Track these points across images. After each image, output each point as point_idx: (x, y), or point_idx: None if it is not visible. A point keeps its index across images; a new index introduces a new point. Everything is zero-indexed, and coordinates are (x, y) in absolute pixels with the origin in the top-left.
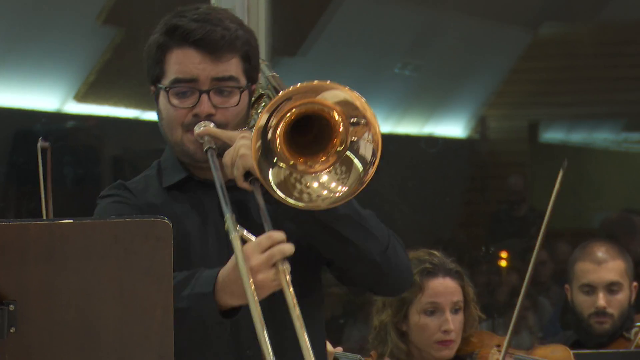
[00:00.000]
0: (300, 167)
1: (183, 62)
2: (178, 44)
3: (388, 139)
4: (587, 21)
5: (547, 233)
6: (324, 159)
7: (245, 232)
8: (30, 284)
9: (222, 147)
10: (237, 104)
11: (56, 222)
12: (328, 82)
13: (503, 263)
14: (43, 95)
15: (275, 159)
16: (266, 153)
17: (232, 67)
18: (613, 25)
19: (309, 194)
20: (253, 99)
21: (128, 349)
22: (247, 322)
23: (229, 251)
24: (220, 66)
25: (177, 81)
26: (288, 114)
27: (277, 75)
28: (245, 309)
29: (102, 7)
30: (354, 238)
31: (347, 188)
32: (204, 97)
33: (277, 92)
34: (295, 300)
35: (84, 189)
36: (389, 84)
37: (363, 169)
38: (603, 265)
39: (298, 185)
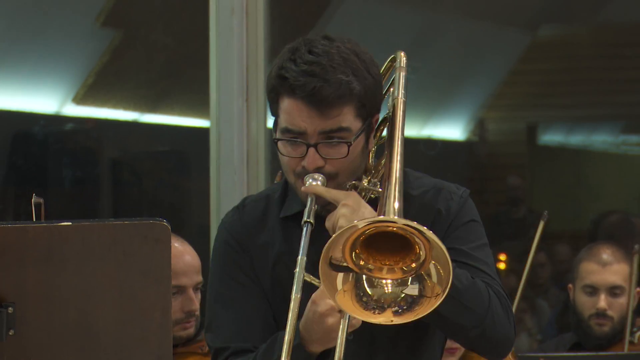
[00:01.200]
0: (370, 267)
1: (291, 113)
2: (287, 94)
3: None
4: (585, 23)
5: (545, 235)
6: (388, 264)
7: (311, 277)
8: (29, 286)
9: (328, 208)
10: (346, 155)
11: (55, 224)
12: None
13: (501, 265)
14: (41, 98)
15: (359, 272)
16: (352, 278)
17: (343, 118)
18: (612, 27)
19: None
20: (378, 122)
21: (127, 350)
22: None
23: None
24: (329, 121)
25: (286, 130)
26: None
27: (403, 101)
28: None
29: (100, 9)
30: (447, 314)
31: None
32: (312, 150)
33: (393, 120)
34: (343, 347)
35: (83, 191)
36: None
37: (419, 305)
38: (607, 267)
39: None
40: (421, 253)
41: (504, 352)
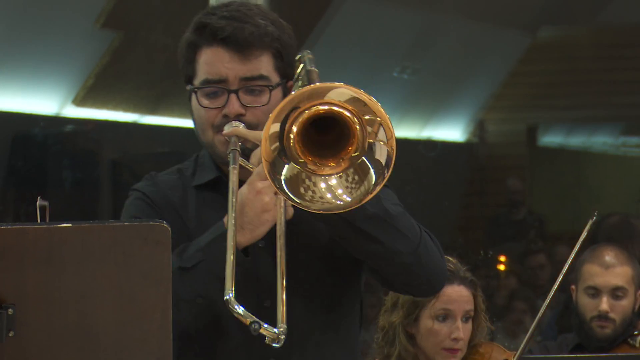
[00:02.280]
0: (311, 167)
1: (212, 61)
2: (207, 43)
3: None
4: (585, 24)
5: (545, 236)
6: (333, 164)
7: (246, 162)
8: (29, 287)
9: (251, 149)
10: (267, 103)
11: (55, 225)
12: (333, 83)
13: (501, 267)
14: (42, 99)
15: (289, 158)
16: (280, 153)
17: (262, 65)
18: (611, 28)
19: (313, 193)
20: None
21: (127, 352)
22: (265, 272)
23: (251, 258)
24: (249, 65)
25: (206, 82)
26: (300, 118)
27: (316, 71)
28: (260, 256)
29: (100, 11)
30: (382, 238)
31: (350, 199)
32: (233, 97)
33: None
34: (283, 230)
35: (83, 193)
36: (388, 87)
37: (375, 180)
38: (610, 269)
39: (306, 183)
40: (358, 133)
41: (438, 286)
